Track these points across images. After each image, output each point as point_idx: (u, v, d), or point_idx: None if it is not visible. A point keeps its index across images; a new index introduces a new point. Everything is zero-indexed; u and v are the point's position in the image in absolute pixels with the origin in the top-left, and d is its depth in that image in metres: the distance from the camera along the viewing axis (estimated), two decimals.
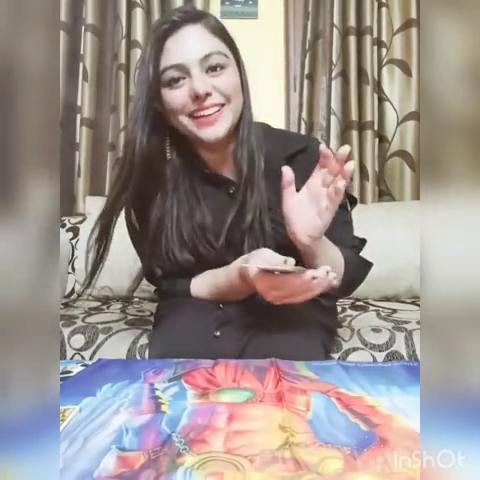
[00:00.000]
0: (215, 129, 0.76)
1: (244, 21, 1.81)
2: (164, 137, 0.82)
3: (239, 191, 0.82)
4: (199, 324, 0.75)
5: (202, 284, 0.84)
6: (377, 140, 1.74)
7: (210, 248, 0.82)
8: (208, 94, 0.74)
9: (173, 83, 0.75)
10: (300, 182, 0.85)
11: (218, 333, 0.73)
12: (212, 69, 0.75)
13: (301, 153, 0.86)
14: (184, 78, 0.74)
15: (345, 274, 0.81)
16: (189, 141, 0.83)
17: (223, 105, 0.76)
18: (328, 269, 0.64)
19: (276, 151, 0.86)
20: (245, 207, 0.81)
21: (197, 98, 0.73)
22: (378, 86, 1.75)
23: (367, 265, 0.89)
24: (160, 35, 0.75)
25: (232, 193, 0.84)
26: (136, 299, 1.39)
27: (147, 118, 0.76)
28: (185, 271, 0.84)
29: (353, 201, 0.93)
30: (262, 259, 0.69)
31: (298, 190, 0.85)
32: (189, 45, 0.74)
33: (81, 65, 1.76)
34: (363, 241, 0.90)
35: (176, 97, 0.75)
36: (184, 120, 0.77)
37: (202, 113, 0.75)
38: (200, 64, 0.73)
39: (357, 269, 0.86)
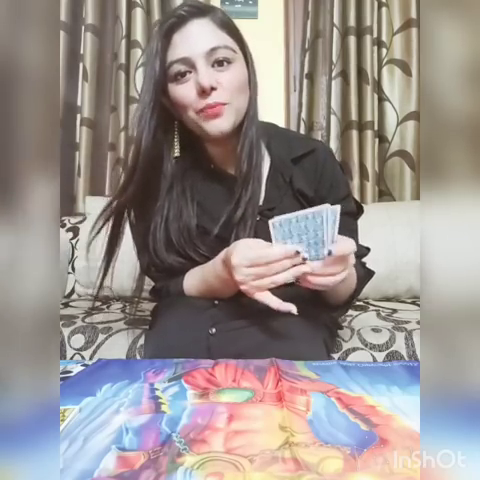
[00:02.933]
0: (220, 122, 0.76)
1: (244, 21, 1.80)
2: (170, 132, 0.82)
3: (237, 187, 0.81)
4: (193, 322, 0.74)
5: (192, 280, 0.83)
6: (377, 140, 1.74)
7: (197, 249, 0.82)
8: (213, 88, 0.73)
9: (179, 78, 0.75)
10: (305, 185, 0.85)
11: (213, 330, 0.72)
12: (218, 63, 0.74)
13: (308, 156, 0.85)
14: (190, 72, 0.74)
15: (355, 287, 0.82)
16: (196, 136, 0.83)
17: (226, 104, 0.75)
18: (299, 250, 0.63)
19: (282, 152, 0.85)
20: (239, 203, 0.80)
21: (203, 92, 0.73)
22: (378, 86, 1.75)
23: (370, 275, 0.89)
24: (167, 30, 0.75)
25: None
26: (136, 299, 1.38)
27: (153, 113, 0.76)
28: (176, 270, 0.84)
29: (360, 210, 0.93)
30: (246, 247, 0.67)
31: (300, 190, 0.85)
32: (195, 39, 0.74)
33: (81, 65, 1.77)
34: (368, 250, 0.90)
35: (183, 93, 0.75)
36: (192, 115, 0.77)
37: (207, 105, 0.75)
38: (206, 58, 0.73)
39: (363, 281, 0.87)
